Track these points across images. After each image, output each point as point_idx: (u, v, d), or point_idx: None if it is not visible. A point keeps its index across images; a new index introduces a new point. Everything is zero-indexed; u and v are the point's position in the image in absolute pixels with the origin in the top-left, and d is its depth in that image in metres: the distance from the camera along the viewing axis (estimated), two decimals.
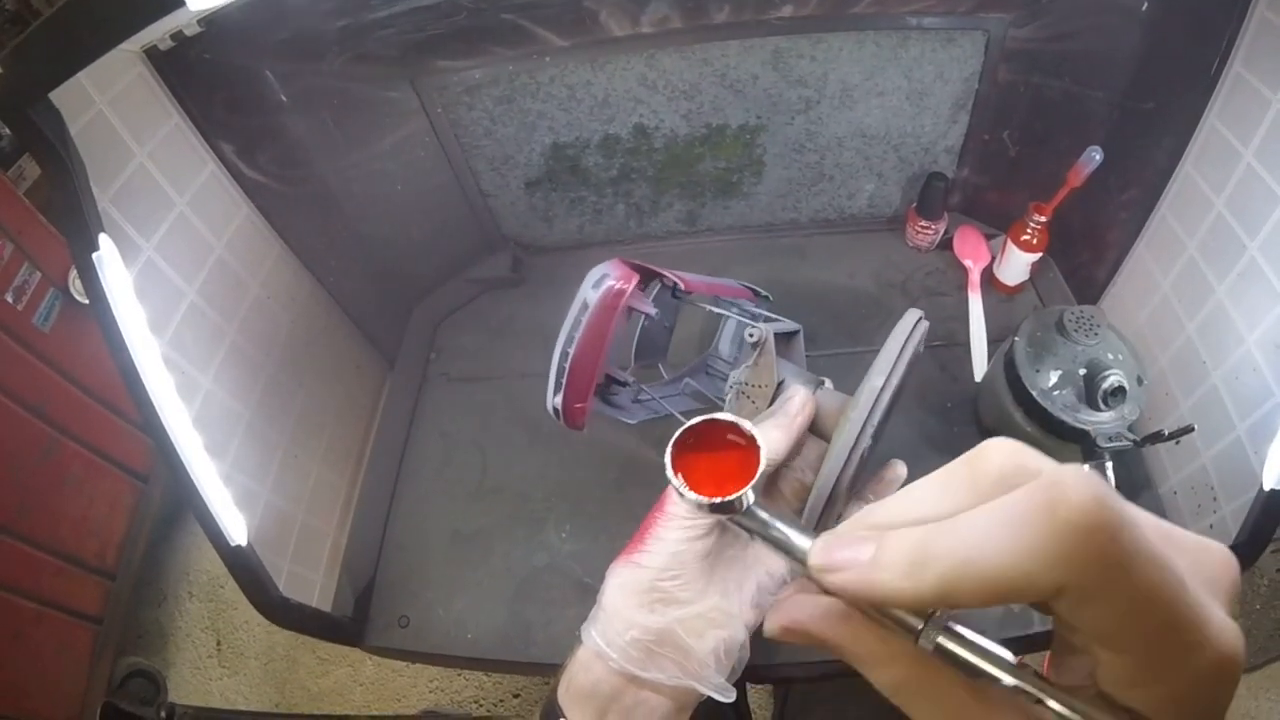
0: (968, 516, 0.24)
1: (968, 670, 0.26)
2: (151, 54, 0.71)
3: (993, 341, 0.97)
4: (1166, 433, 0.72)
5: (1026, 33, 0.90)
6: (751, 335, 0.65)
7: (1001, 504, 0.23)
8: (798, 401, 0.59)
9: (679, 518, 0.54)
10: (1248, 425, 0.72)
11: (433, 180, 1.05)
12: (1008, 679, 0.25)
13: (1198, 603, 0.22)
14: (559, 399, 0.70)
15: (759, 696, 1.39)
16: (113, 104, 0.67)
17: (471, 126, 0.99)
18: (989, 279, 1.04)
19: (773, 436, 0.56)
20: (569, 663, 0.54)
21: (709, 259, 1.11)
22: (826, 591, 0.29)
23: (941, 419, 0.91)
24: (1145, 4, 0.80)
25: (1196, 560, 0.24)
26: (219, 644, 1.86)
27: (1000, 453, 0.25)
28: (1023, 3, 0.87)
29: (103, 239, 0.61)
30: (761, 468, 0.34)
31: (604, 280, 0.68)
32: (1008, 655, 0.26)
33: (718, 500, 0.33)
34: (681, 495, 0.35)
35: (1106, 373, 0.74)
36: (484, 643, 0.83)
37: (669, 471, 0.35)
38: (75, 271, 1.51)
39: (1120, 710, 0.24)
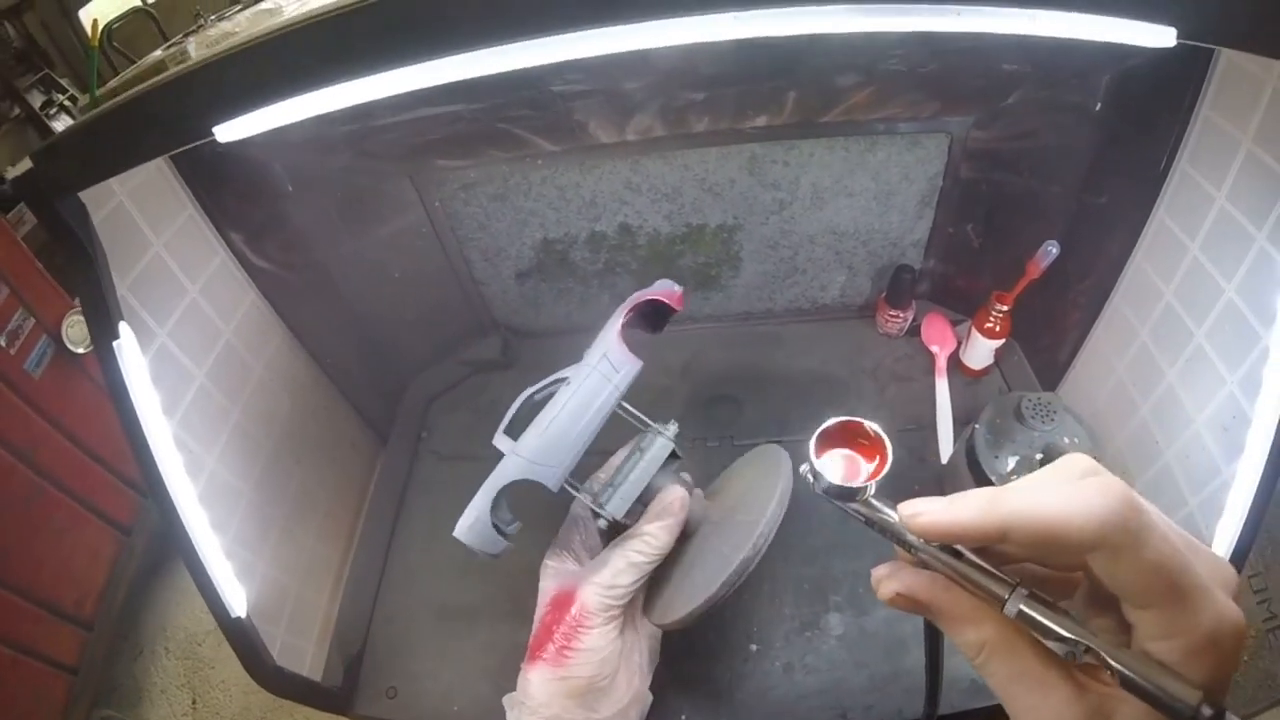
0: (1033, 481, 0.32)
1: (1042, 632, 0.32)
2: None
3: (959, 423, 1.01)
4: None
5: (987, 133, 0.94)
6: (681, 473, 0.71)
7: (1059, 479, 0.31)
8: (679, 502, 0.67)
9: (598, 627, 0.62)
10: (1198, 501, 0.75)
11: (428, 268, 1.09)
12: (1075, 637, 0.31)
13: (1205, 581, 0.30)
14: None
15: None
16: (132, 195, 0.71)
17: (467, 220, 1.04)
18: (956, 363, 1.08)
19: (661, 537, 0.65)
20: None
21: (688, 347, 1.16)
22: (924, 566, 0.36)
23: (909, 499, 0.94)
24: (1098, 104, 0.84)
25: (1211, 564, 0.32)
26: (194, 702, 1.80)
27: (1087, 458, 0.32)
28: (983, 106, 0.92)
29: (122, 327, 0.64)
30: (888, 467, 0.39)
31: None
32: (1076, 622, 0.32)
33: (850, 485, 0.37)
34: (819, 477, 0.38)
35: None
36: (469, 715, 0.85)
37: (812, 456, 0.39)
38: (69, 320, 1.51)
39: (1156, 663, 0.30)
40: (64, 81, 2.12)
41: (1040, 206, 0.97)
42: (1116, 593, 0.30)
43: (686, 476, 0.72)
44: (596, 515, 0.68)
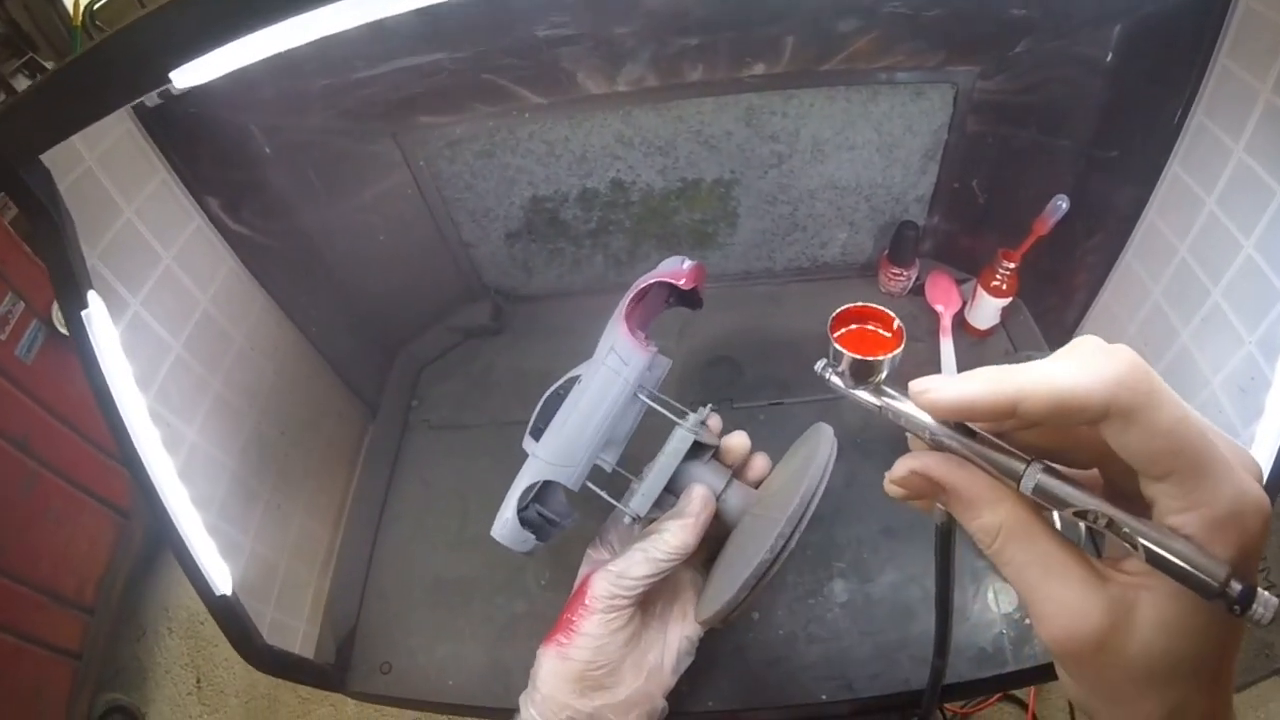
0: (1043, 359, 0.31)
1: (1061, 504, 0.31)
2: (139, 110, 0.72)
3: None
4: None
5: (994, 85, 0.91)
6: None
7: (1068, 351, 0.30)
8: (699, 501, 0.64)
9: (599, 612, 0.61)
10: None
11: (414, 231, 1.06)
12: (1096, 508, 0.30)
13: (1223, 452, 0.29)
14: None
15: None
16: (101, 160, 0.68)
17: (453, 180, 1.00)
18: (960, 323, 1.06)
19: (678, 535, 0.62)
20: None
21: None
22: (940, 449, 0.35)
23: None
24: (1109, 55, 0.82)
25: (1233, 447, 0.30)
26: (199, 681, 1.83)
27: (1096, 338, 0.31)
28: (990, 56, 0.89)
29: (91, 296, 0.62)
30: (901, 346, 0.40)
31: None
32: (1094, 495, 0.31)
33: (867, 359, 0.38)
34: (836, 356, 0.39)
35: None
36: (465, 689, 0.83)
37: (830, 336, 0.40)
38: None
39: (1180, 534, 0.28)
40: (49, 65, 2.09)
41: (1048, 161, 0.94)
42: (1132, 463, 0.29)
43: (734, 450, 0.70)
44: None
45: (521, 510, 0.67)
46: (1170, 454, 0.28)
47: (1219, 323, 0.73)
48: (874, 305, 0.41)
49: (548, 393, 0.68)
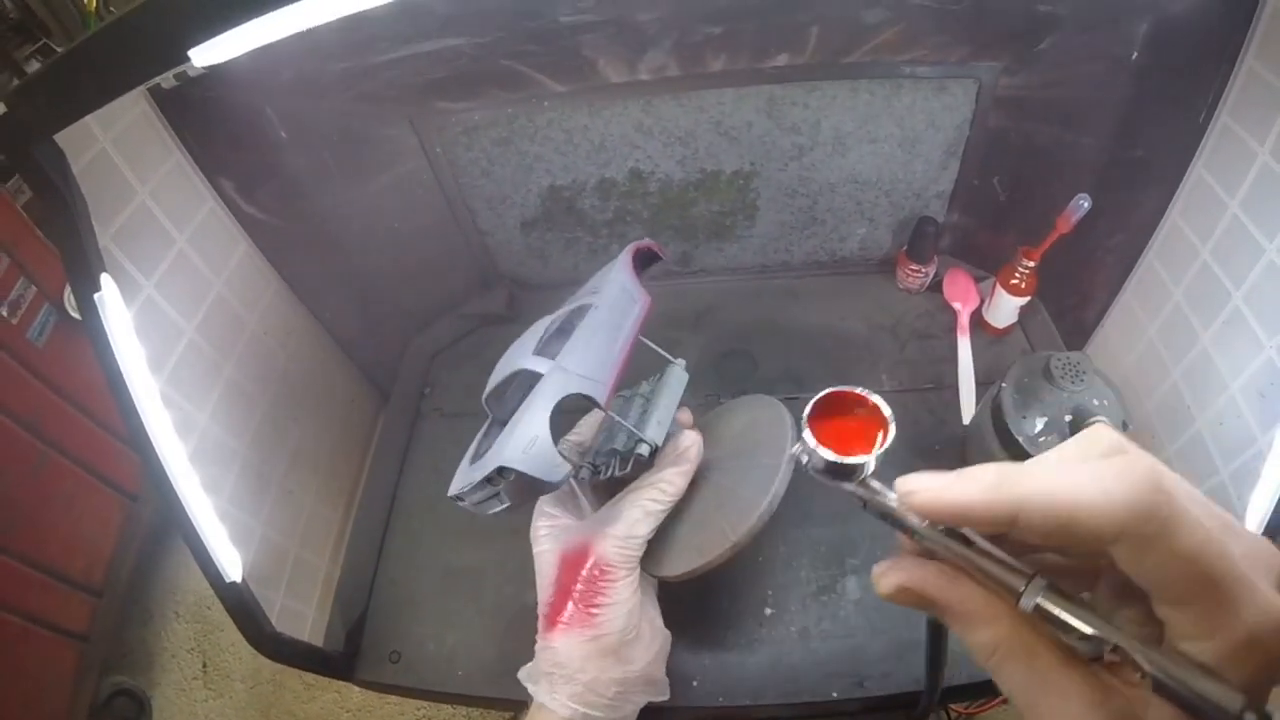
0: (1050, 459, 0.28)
1: (1063, 628, 0.28)
2: (155, 92, 0.72)
3: (981, 384, 0.98)
4: None
5: (1017, 80, 0.90)
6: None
7: (1085, 459, 0.28)
8: (695, 449, 0.64)
9: (623, 581, 0.60)
10: (1231, 470, 0.73)
11: (430, 217, 1.05)
12: (1101, 635, 0.27)
13: (1244, 571, 0.26)
14: None
15: None
16: (116, 142, 0.68)
17: (469, 166, 1.00)
18: (978, 321, 1.05)
19: (677, 483, 0.62)
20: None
21: (701, 299, 1.12)
22: (930, 555, 0.33)
23: (929, 462, 0.90)
24: (1135, 53, 0.80)
25: (1252, 547, 0.28)
26: (205, 665, 1.83)
27: (1111, 432, 0.30)
28: (1014, 51, 0.88)
29: (104, 279, 0.62)
30: (890, 438, 0.36)
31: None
32: (1100, 616, 0.28)
33: (848, 461, 0.35)
34: (811, 454, 0.36)
35: (1091, 420, 0.74)
36: (474, 679, 0.83)
37: (805, 433, 0.36)
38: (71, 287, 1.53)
39: (1193, 663, 0.26)
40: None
41: (1071, 159, 0.93)
42: (1144, 587, 0.27)
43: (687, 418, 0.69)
44: (629, 451, 0.64)
45: None
46: (1186, 583, 0.26)
47: (1240, 326, 0.73)
48: (862, 392, 0.37)
49: (549, 318, 0.66)
